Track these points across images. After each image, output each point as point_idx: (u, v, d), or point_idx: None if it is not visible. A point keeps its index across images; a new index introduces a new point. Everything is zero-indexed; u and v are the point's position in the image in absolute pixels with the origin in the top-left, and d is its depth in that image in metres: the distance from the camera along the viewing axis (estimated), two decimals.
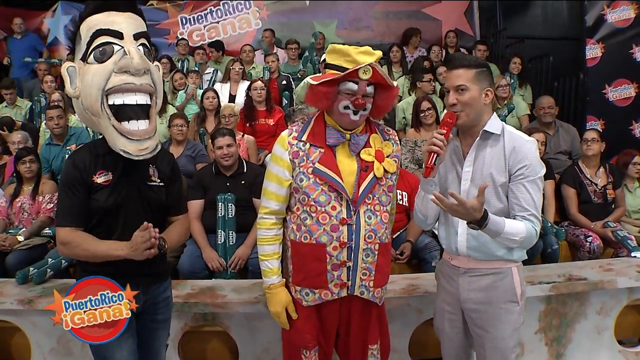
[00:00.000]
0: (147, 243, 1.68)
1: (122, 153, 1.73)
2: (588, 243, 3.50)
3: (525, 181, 1.78)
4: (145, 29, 1.86)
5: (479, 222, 1.68)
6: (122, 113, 1.74)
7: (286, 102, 5.42)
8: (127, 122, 1.74)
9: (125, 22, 1.78)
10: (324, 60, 1.92)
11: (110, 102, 1.73)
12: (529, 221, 1.76)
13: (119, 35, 1.75)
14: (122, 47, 1.74)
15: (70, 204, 1.76)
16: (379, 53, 1.88)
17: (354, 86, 1.81)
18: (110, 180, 1.78)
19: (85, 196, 1.76)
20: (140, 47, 1.78)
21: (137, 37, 1.79)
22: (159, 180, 1.91)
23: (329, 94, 1.84)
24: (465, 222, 1.75)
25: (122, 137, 1.73)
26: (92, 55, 1.73)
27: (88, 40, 1.74)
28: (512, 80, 5.60)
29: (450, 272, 1.99)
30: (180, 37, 7.29)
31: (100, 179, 1.77)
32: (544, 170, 1.82)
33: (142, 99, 1.77)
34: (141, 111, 1.77)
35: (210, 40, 7.32)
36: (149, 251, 1.69)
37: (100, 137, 1.87)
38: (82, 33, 1.77)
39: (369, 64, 1.79)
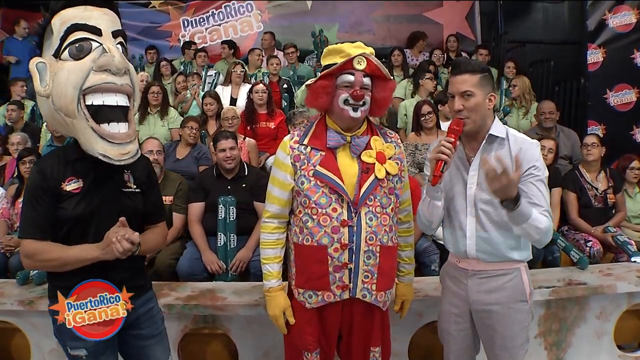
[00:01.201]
0: (122, 242, 1.56)
1: (101, 157, 1.61)
2: (588, 248, 3.49)
3: (534, 180, 1.81)
4: (121, 27, 1.75)
5: (513, 200, 1.67)
6: (101, 114, 1.62)
7: (286, 104, 5.43)
8: (107, 124, 1.63)
9: (102, 18, 1.67)
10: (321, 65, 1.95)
11: (89, 102, 1.61)
12: (545, 217, 1.77)
13: (97, 31, 1.64)
14: (101, 44, 1.63)
15: (35, 215, 1.64)
16: (371, 49, 1.90)
17: (351, 77, 1.84)
18: (80, 187, 1.67)
19: (51, 206, 1.64)
20: (119, 46, 1.69)
21: (115, 34, 1.69)
22: (135, 187, 1.80)
23: (327, 87, 1.86)
24: (499, 200, 1.71)
25: (102, 141, 1.62)
26: (66, 52, 1.61)
27: (62, 35, 1.62)
28: (508, 85, 5.60)
29: (457, 274, 2.00)
30: (189, 40, 7.32)
31: (69, 187, 1.66)
32: (547, 173, 1.86)
33: (122, 100, 1.67)
34: (121, 113, 1.67)
35: (212, 43, 7.34)
36: (124, 248, 1.57)
37: (71, 141, 1.76)
38: (54, 27, 1.64)
39: (362, 54, 1.82)
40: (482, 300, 1.91)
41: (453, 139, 1.78)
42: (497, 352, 1.92)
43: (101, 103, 1.63)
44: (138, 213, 1.80)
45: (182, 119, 4.78)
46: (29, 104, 5.75)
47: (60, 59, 1.63)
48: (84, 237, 1.67)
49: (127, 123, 1.69)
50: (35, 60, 1.66)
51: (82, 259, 1.62)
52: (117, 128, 1.65)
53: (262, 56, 6.26)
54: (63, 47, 1.62)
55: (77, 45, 1.62)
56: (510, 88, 5.28)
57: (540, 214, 1.76)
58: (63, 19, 1.64)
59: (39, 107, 1.77)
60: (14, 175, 3.95)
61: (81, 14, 1.65)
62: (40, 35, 1.72)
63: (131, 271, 1.78)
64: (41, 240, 1.64)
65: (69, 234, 1.67)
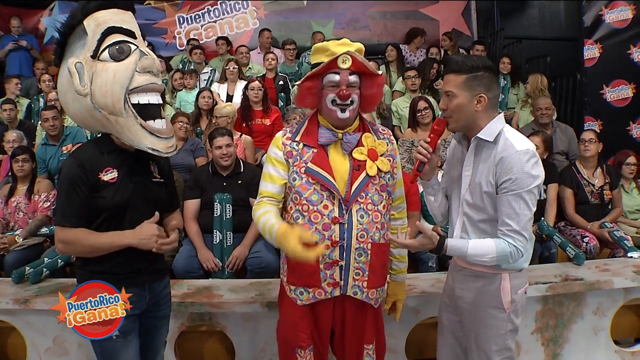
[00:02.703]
0: (159, 239, 1.74)
1: (150, 151, 1.75)
2: (585, 243, 3.50)
3: (509, 195, 1.71)
4: None
5: (435, 250, 1.76)
6: (145, 112, 1.75)
7: (282, 103, 5.42)
8: (152, 121, 1.77)
9: (132, 21, 1.81)
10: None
11: (134, 101, 1.73)
12: (508, 237, 1.72)
13: (132, 34, 1.77)
14: (137, 47, 1.76)
15: (73, 203, 1.72)
16: (358, 45, 1.87)
17: (336, 77, 1.82)
18: (116, 177, 1.77)
19: (88, 195, 1.73)
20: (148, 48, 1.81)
21: (143, 37, 1.83)
22: (159, 177, 1.93)
23: (313, 88, 1.86)
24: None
25: (152, 136, 1.75)
26: (106, 53, 1.71)
27: (99, 38, 1.71)
28: (506, 82, 5.61)
29: (452, 267, 2.05)
30: (191, 37, 7.27)
31: (107, 177, 1.75)
32: (537, 182, 1.71)
33: (159, 98, 1.82)
34: (160, 110, 1.82)
35: (208, 40, 7.32)
36: (165, 250, 1.76)
37: (100, 135, 1.88)
38: (88, 29, 1.73)
39: (347, 53, 1.80)
40: (464, 297, 1.93)
41: (430, 139, 1.81)
42: (473, 351, 1.92)
43: (147, 102, 1.76)
44: (163, 202, 1.93)
45: None
46: (23, 102, 5.72)
47: (99, 60, 1.72)
48: (119, 225, 1.77)
49: (164, 119, 1.82)
50: (73, 60, 1.72)
51: (115, 245, 1.73)
52: (160, 124, 1.79)
53: (248, 53, 6.26)
54: (102, 48, 1.72)
55: (117, 47, 1.72)
56: (525, 85, 5.35)
57: (498, 237, 1.73)
58: (97, 21, 1.73)
59: (66, 105, 1.84)
60: (8, 174, 3.93)
61: (114, 17, 1.76)
62: (66, 35, 1.79)
63: (156, 256, 1.91)
64: (77, 227, 1.72)
65: (105, 222, 1.77)
